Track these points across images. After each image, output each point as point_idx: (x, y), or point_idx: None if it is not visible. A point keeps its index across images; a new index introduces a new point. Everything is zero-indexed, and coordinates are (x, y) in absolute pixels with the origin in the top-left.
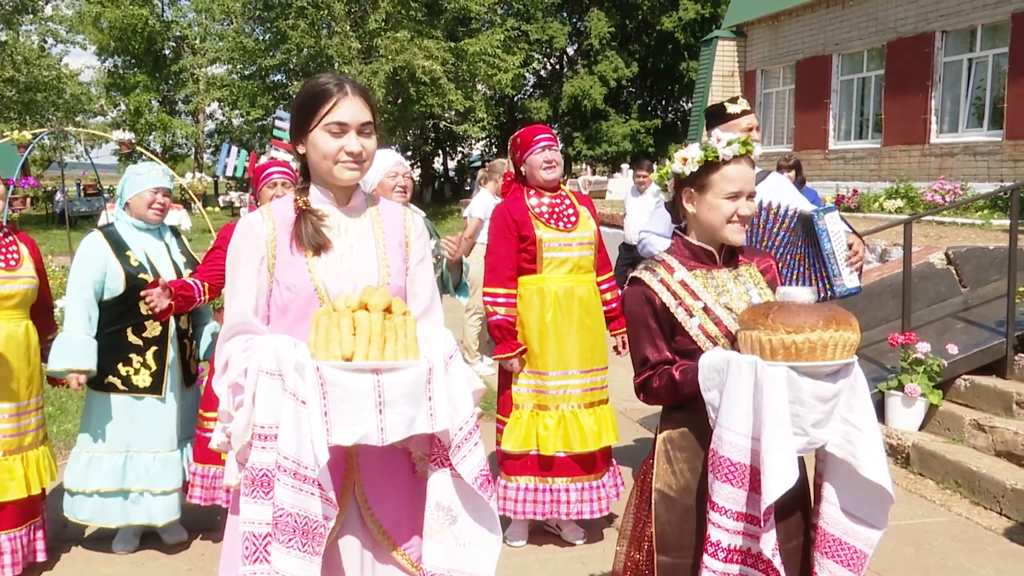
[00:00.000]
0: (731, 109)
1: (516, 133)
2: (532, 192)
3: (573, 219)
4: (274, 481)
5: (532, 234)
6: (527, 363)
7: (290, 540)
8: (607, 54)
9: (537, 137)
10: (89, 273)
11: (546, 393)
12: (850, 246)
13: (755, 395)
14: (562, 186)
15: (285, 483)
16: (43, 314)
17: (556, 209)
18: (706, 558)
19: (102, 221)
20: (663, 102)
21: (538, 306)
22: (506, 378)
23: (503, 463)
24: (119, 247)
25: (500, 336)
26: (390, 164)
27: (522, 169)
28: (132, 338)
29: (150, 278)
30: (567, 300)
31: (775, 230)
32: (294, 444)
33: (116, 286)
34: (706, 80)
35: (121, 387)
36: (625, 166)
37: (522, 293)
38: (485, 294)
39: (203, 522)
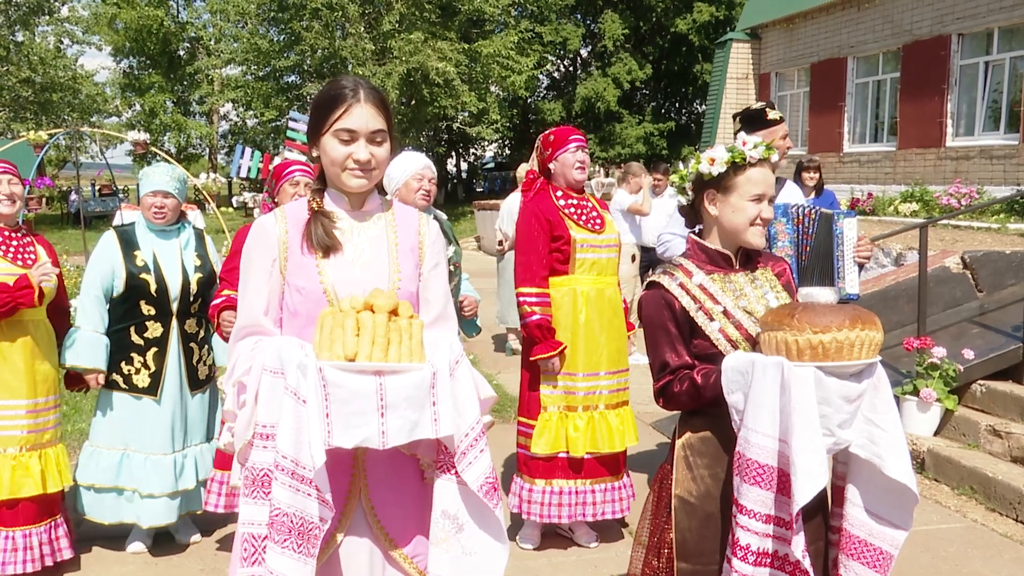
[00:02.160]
0: (772, 115)
1: (549, 131)
2: (559, 193)
3: (600, 221)
4: (272, 480)
5: (566, 234)
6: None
7: (285, 540)
8: (621, 56)
9: (572, 137)
10: (99, 272)
11: (576, 394)
12: (860, 241)
13: (781, 396)
14: (585, 189)
15: (283, 482)
16: (59, 316)
17: (584, 210)
18: (735, 562)
19: (116, 221)
20: (677, 104)
21: (570, 307)
22: (535, 379)
23: (528, 466)
24: (129, 246)
25: (540, 336)
26: (418, 167)
27: (550, 167)
28: (135, 337)
29: (151, 279)
30: (598, 301)
31: (812, 231)
32: (292, 444)
33: (119, 284)
34: (720, 82)
35: (123, 385)
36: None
37: (552, 294)
38: (519, 294)
39: (217, 523)
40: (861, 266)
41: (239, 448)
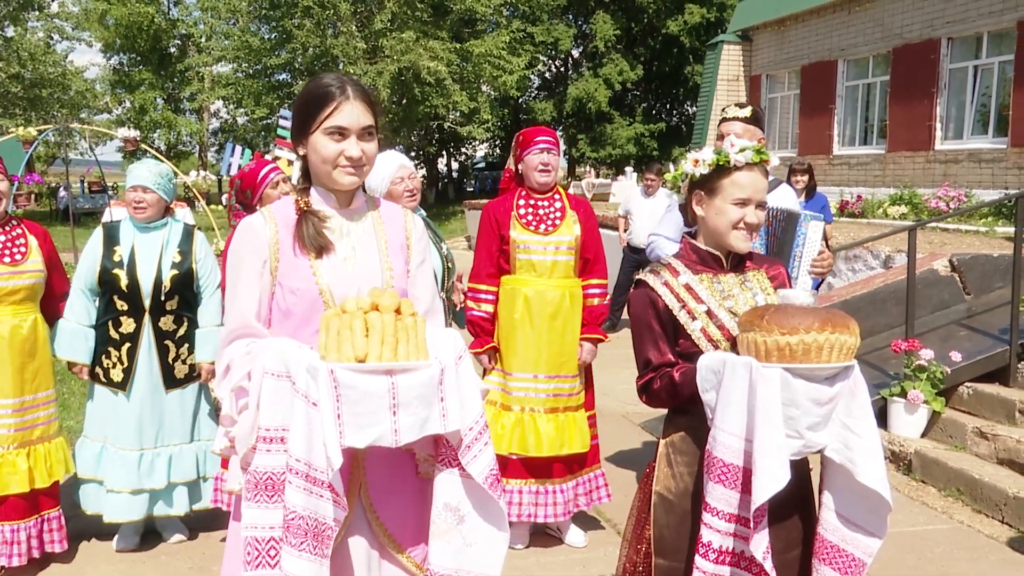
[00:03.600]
0: (727, 113)
1: (521, 131)
2: (523, 192)
3: (557, 222)
4: (284, 484)
5: (507, 234)
6: (497, 361)
7: (302, 543)
8: (612, 57)
9: (537, 139)
10: (85, 266)
11: (510, 393)
12: (821, 253)
13: (749, 396)
14: (560, 189)
15: (296, 485)
16: (55, 302)
17: (540, 211)
18: (697, 559)
19: (106, 218)
20: (668, 105)
21: (509, 306)
22: (485, 373)
23: None
24: (110, 242)
25: (472, 331)
26: (393, 171)
27: (519, 167)
28: (112, 332)
29: (122, 275)
30: (538, 302)
31: (778, 232)
32: (305, 446)
33: (96, 279)
34: (711, 84)
35: (102, 379)
36: (629, 169)
37: (500, 292)
38: (468, 289)
39: (204, 521)
40: (821, 280)
41: (243, 453)
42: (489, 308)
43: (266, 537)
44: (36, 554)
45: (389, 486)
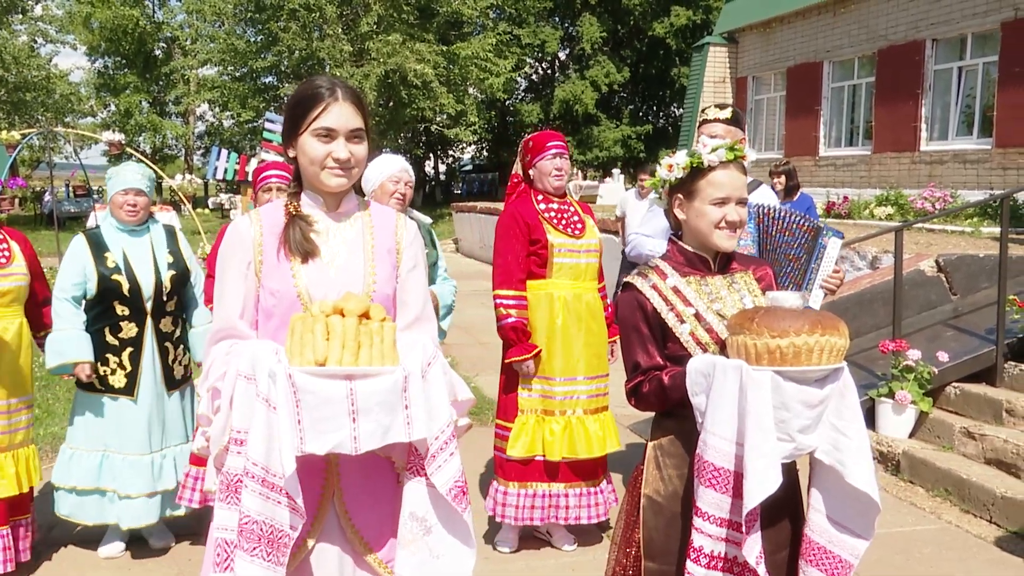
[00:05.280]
0: (708, 115)
1: (529, 136)
2: (540, 197)
3: (580, 226)
4: (242, 488)
5: (544, 238)
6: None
7: (255, 548)
8: (599, 59)
9: (550, 144)
10: (70, 276)
11: (553, 399)
12: (836, 272)
13: (740, 400)
14: (567, 194)
15: (253, 490)
16: (38, 309)
17: (564, 215)
18: (689, 564)
19: (91, 222)
20: (654, 107)
21: (547, 311)
22: (511, 382)
23: (505, 468)
24: (99, 249)
25: (516, 338)
26: (394, 169)
27: (531, 172)
28: (109, 338)
29: (123, 279)
30: (576, 305)
31: (772, 230)
32: (263, 451)
33: (91, 287)
34: (697, 86)
35: (99, 386)
36: (616, 171)
37: (530, 297)
38: (496, 296)
39: (190, 527)
40: (825, 293)
41: (215, 453)
42: (525, 313)
43: (234, 540)
44: (11, 566)
45: (365, 492)
